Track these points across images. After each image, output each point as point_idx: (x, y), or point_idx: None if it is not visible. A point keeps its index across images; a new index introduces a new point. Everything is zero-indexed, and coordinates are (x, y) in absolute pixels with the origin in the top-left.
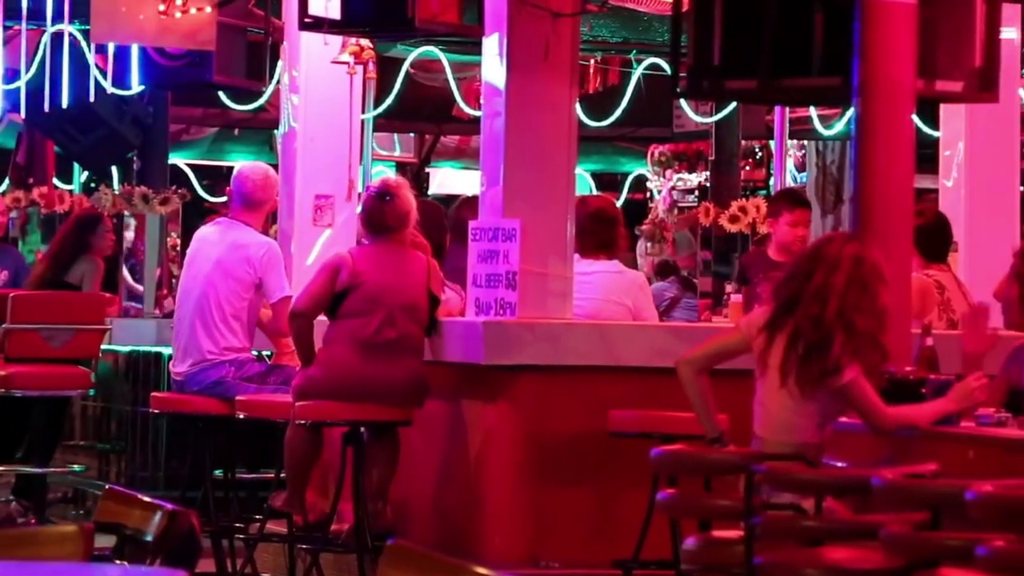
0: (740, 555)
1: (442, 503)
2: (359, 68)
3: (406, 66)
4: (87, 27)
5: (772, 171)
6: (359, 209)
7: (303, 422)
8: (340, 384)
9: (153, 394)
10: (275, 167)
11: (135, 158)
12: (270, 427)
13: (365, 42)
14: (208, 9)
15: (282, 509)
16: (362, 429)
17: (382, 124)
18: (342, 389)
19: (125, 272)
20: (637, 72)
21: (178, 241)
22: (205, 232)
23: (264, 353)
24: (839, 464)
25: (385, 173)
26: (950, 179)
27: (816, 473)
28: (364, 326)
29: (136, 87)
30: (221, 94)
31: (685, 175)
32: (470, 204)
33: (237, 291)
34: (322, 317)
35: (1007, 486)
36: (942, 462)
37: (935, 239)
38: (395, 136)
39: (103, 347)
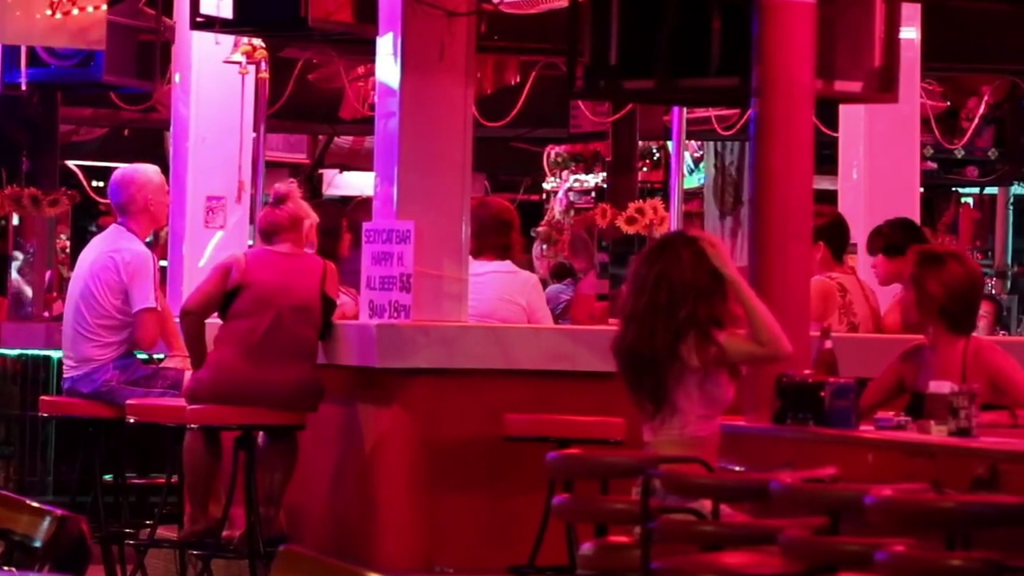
0: (637, 560)
1: (335, 508)
2: (251, 68)
3: (299, 67)
4: None
5: (670, 172)
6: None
7: (194, 426)
8: (227, 387)
9: (42, 397)
10: (165, 168)
11: (24, 159)
12: (160, 431)
13: (257, 42)
14: (98, 8)
15: (193, 531)
16: (259, 433)
17: (275, 125)
18: (230, 393)
19: (13, 274)
20: (533, 72)
21: (67, 243)
22: (95, 238)
23: (157, 356)
24: (737, 468)
25: (278, 175)
26: (850, 180)
27: (714, 477)
28: (253, 328)
29: (25, 87)
30: (111, 94)
31: (582, 176)
32: (364, 206)
33: (107, 296)
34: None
35: (907, 491)
36: (841, 466)
37: (834, 239)
38: (287, 137)
39: None
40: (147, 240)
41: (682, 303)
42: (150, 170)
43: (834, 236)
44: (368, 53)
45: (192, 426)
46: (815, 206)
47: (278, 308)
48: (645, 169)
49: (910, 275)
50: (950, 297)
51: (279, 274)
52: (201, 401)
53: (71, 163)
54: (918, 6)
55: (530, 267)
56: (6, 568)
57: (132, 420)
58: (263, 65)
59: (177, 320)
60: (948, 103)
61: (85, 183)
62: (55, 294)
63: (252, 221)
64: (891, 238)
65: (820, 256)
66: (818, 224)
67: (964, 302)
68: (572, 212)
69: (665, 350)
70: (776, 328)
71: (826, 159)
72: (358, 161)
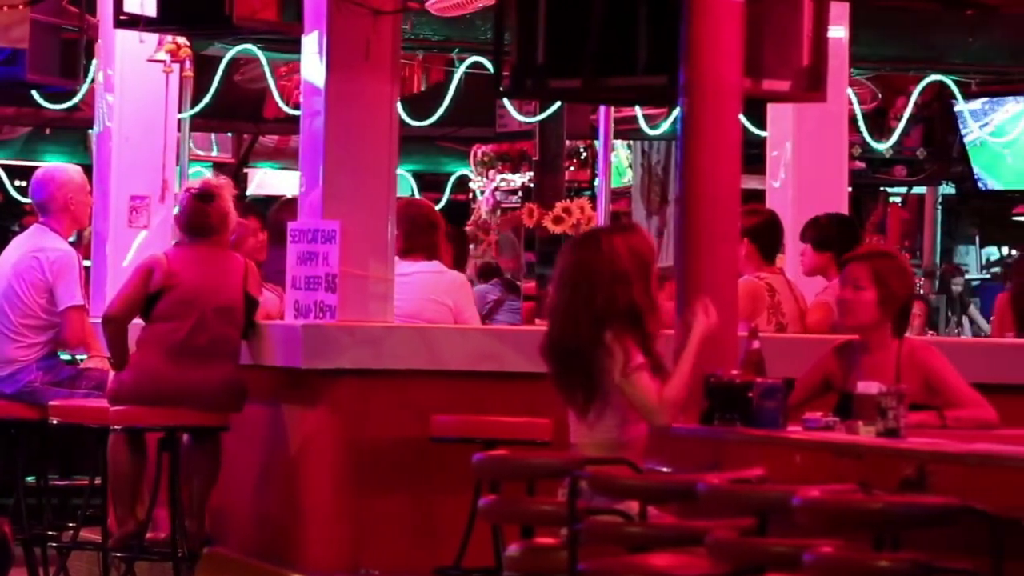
0: (564, 561)
1: (260, 509)
2: (175, 67)
3: (223, 66)
4: None
5: (597, 172)
6: (176, 211)
7: (118, 428)
8: (151, 389)
9: None
10: (89, 167)
11: None
12: (83, 433)
13: (182, 40)
14: (21, 6)
15: (123, 535)
16: (184, 436)
17: (199, 124)
18: (153, 394)
19: None
20: (459, 71)
21: None
22: (17, 238)
23: (79, 357)
24: (664, 469)
25: (203, 174)
26: (777, 180)
27: (641, 479)
28: (176, 330)
29: None
30: (34, 93)
31: (508, 176)
32: (289, 206)
33: (32, 295)
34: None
35: (834, 491)
36: (769, 467)
37: (767, 239)
38: (212, 137)
39: None
40: (70, 240)
41: (599, 288)
42: (71, 169)
43: (765, 236)
44: (294, 51)
45: (116, 427)
46: (751, 205)
47: (202, 310)
48: (572, 168)
49: (871, 274)
50: (908, 296)
51: (203, 275)
52: (124, 403)
53: None
54: (846, 5)
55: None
56: None
57: (55, 421)
58: (187, 64)
59: (98, 321)
60: (880, 100)
61: (8, 183)
62: None
63: None
64: (824, 231)
65: (745, 253)
66: (750, 223)
67: (910, 302)
68: (499, 212)
69: (590, 340)
70: (680, 400)
71: (754, 158)
72: (283, 160)
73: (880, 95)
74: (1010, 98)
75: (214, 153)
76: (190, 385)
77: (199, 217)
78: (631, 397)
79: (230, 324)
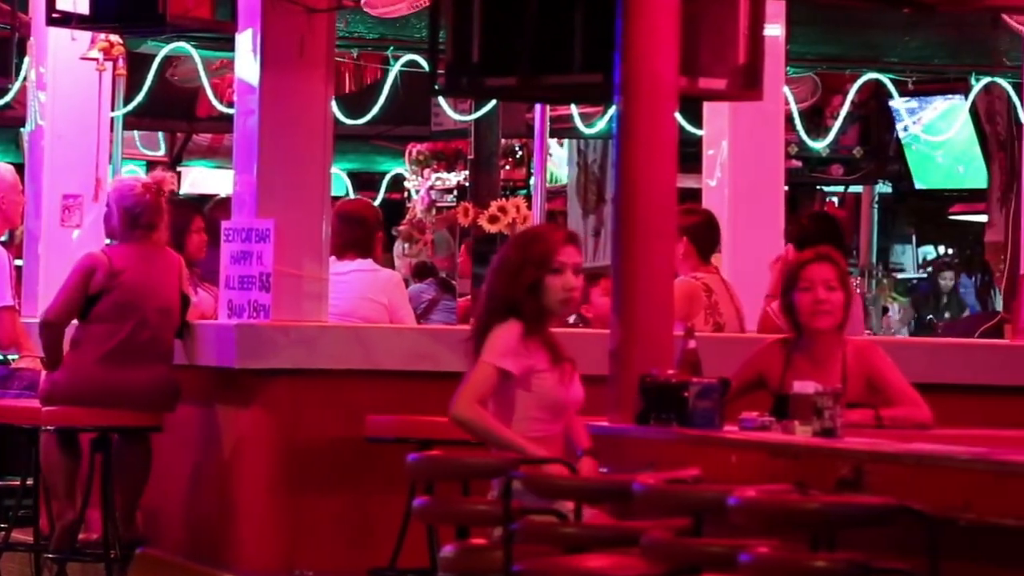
0: (498, 561)
1: (194, 510)
2: (108, 64)
3: (157, 63)
4: None
5: (532, 170)
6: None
7: (50, 428)
8: (84, 390)
9: None
10: (21, 166)
11: None
12: (15, 433)
13: (115, 38)
14: None
15: (64, 526)
16: (115, 436)
17: (133, 122)
18: (87, 395)
19: None
20: (394, 69)
21: None
22: None
23: (10, 357)
24: (600, 469)
25: (136, 172)
26: (713, 178)
27: (576, 478)
28: (115, 332)
29: None
30: None
31: (444, 174)
32: (224, 205)
33: None
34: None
35: (770, 491)
36: (704, 467)
37: (705, 239)
38: (159, 135)
39: None
40: (1, 239)
41: (489, 277)
42: (3, 169)
43: (702, 235)
44: (227, 49)
45: (48, 428)
46: (688, 204)
47: (143, 311)
48: (507, 167)
49: (839, 275)
50: None
51: (144, 275)
52: (57, 403)
53: None
54: (782, 3)
55: (391, 266)
56: None
57: None
58: (120, 62)
59: (31, 321)
60: (820, 94)
61: None
62: None
63: None
64: (804, 231)
65: (683, 252)
66: (689, 222)
67: None
68: (434, 211)
69: (481, 326)
70: (472, 427)
71: (690, 157)
72: (217, 158)
73: (820, 88)
74: (938, 96)
75: (161, 152)
76: (124, 386)
77: (151, 213)
78: (468, 374)
79: (168, 325)
